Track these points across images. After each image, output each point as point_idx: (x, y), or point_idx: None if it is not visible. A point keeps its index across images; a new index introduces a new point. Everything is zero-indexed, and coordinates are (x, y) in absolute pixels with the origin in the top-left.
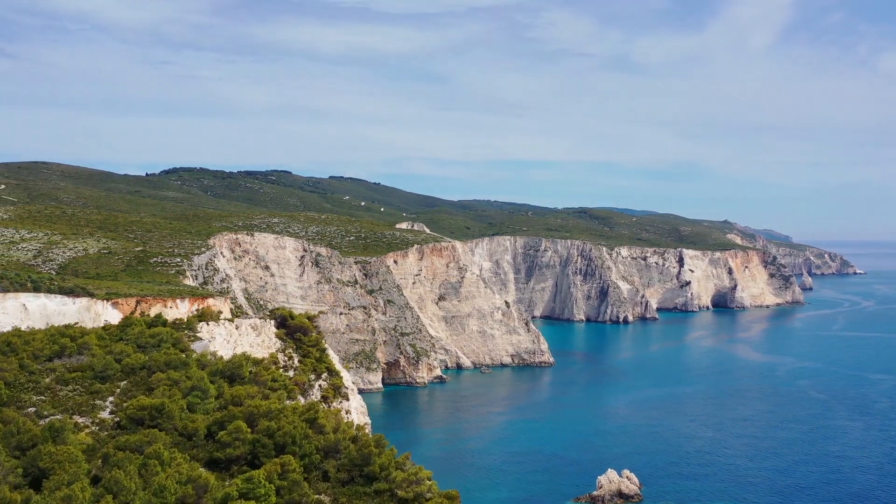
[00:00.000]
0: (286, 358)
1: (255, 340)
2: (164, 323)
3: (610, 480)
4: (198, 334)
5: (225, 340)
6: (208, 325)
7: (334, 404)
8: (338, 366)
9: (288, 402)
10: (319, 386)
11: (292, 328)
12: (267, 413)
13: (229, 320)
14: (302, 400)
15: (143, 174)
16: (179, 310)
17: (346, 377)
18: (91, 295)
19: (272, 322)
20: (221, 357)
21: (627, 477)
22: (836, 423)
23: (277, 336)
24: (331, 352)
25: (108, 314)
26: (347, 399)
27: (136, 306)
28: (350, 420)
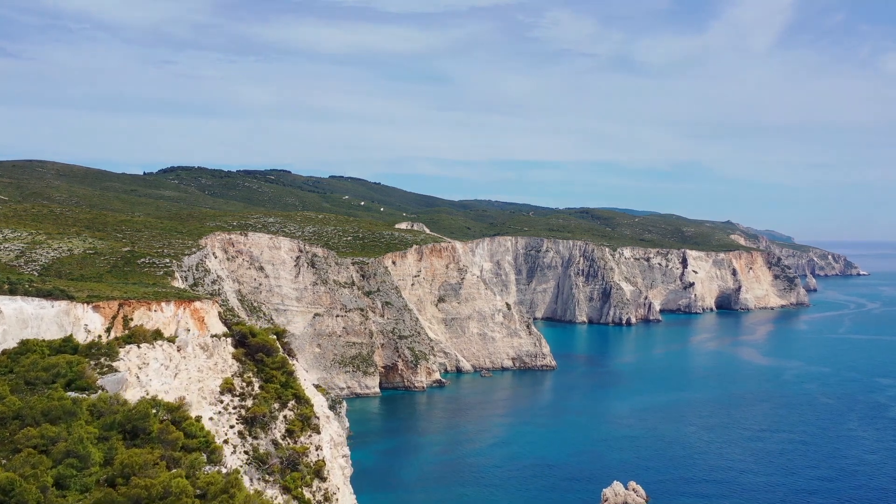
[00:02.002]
0: (244, 384)
1: (206, 364)
2: (75, 349)
3: (616, 493)
4: (116, 362)
5: (163, 367)
6: (139, 347)
7: (301, 439)
8: (309, 391)
9: (207, 469)
10: (284, 417)
11: (254, 347)
12: (162, 495)
13: (170, 341)
14: (230, 460)
15: (141, 173)
16: (164, 313)
17: (321, 403)
18: (71, 298)
19: (229, 340)
20: (126, 402)
21: (634, 489)
22: (848, 430)
23: (235, 357)
24: (301, 373)
25: (89, 318)
26: (318, 432)
27: (119, 310)
28: (321, 458)
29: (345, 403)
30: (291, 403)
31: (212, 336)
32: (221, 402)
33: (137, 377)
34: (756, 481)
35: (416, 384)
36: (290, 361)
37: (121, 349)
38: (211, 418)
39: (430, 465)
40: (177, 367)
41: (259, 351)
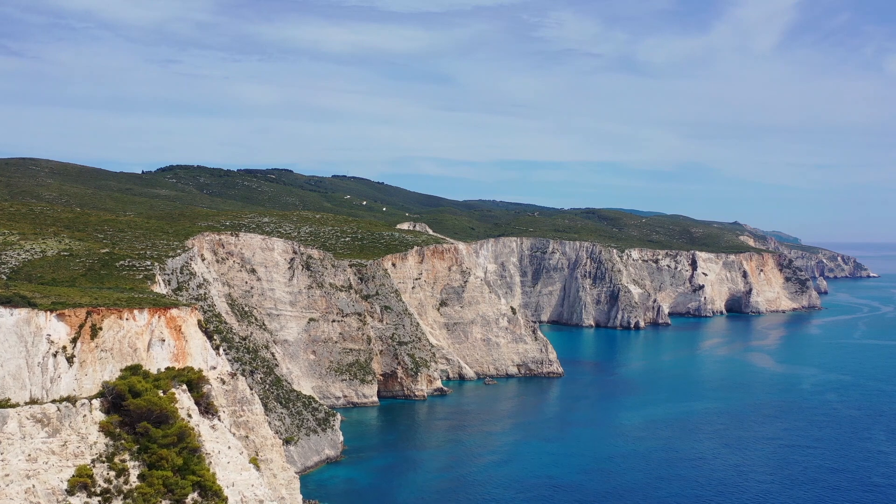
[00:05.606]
0: (113, 473)
1: (46, 447)
2: None
3: None
4: None
5: None
6: None
7: None
8: (229, 469)
9: None
10: None
11: (135, 414)
12: None
13: None
14: None
15: (140, 172)
16: (137, 322)
17: (249, 482)
18: (33, 305)
19: (94, 404)
20: None
21: None
22: (874, 445)
23: (104, 430)
24: (222, 440)
25: (53, 328)
26: None
27: (87, 318)
28: None
29: (339, 415)
30: (191, 498)
31: (62, 402)
32: None
33: None
34: None
35: (416, 393)
36: (197, 430)
37: None
38: None
39: (429, 483)
40: None
41: (143, 419)
